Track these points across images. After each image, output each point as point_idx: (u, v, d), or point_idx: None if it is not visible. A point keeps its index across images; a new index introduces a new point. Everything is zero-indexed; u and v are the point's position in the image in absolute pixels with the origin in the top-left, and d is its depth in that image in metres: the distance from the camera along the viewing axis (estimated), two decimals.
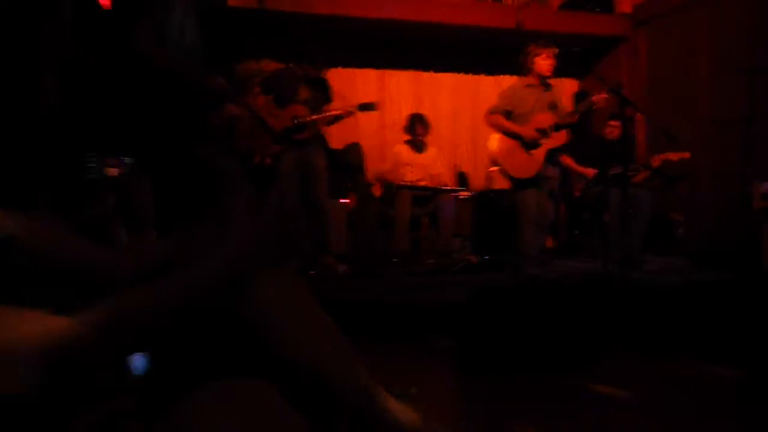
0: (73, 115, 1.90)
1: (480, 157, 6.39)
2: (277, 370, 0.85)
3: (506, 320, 2.45)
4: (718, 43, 4.92)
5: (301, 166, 4.04)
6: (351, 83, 6.08)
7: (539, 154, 3.85)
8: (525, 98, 3.92)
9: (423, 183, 4.96)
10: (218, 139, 2.31)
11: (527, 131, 3.84)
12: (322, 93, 4.20)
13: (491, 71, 6.43)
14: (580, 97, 6.09)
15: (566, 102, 4.77)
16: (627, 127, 4.08)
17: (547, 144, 3.86)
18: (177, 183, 2.09)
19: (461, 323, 2.49)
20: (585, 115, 4.00)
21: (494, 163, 4.03)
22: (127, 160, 2.38)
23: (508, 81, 5.55)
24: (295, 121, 4.00)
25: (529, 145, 3.85)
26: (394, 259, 4.61)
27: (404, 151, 5.08)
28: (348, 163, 5.57)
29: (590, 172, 4.61)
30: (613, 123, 4.72)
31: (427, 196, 4.87)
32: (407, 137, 5.11)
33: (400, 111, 6.11)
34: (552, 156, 3.93)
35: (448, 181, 5.29)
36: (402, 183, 4.87)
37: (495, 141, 3.99)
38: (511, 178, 3.96)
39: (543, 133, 3.85)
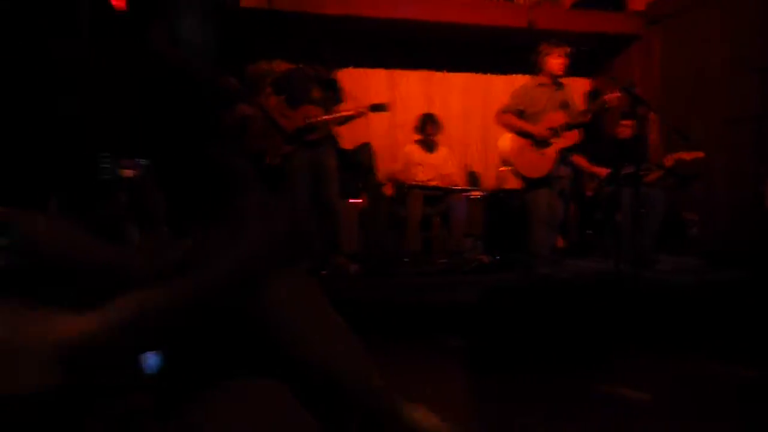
0: (88, 116, 1.92)
1: (491, 156, 6.37)
2: (288, 370, 0.86)
3: (517, 320, 2.45)
4: (731, 42, 4.87)
5: (312, 167, 4.06)
6: (362, 83, 6.08)
7: (551, 153, 3.84)
8: (537, 97, 3.91)
9: (434, 183, 4.95)
10: (230, 139, 2.32)
11: (539, 130, 3.83)
12: (333, 93, 4.21)
13: (503, 71, 6.40)
14: (592, 96, 6.05)
15: (578, 101, 4.74)
16: (640, 126, 4.06)
17: (559, 143, 3.84)
18: (189, 183, 2.10)
19: (472, 323, 2.49)
20: (597, 114, 3.98)
21: (505, 162, 4.01)
22: (141, 161, 2.40)
23: (519, 80, 5.52)
24: (307, 122, 4.01)
25: (541, 144, 3.84)
26: (406, 259, 4.61)
27: (415, 151, 5.08)
28: (359, 163, 5.58)
29: (602, 171, 4.59)
30: (625, 122, 4.68)
31: (438, 195, 4.87)
32: (418, 137, 5.11)
33: (411, 111, 6.10)
34: (563, 155, 3.91)
35: (459, 180, 5.28)
36: (413, 183, 4.87)
37: (506, 140, 3.98)
38: (523, 178, 3.95)
39: (554, 132, 3.83)
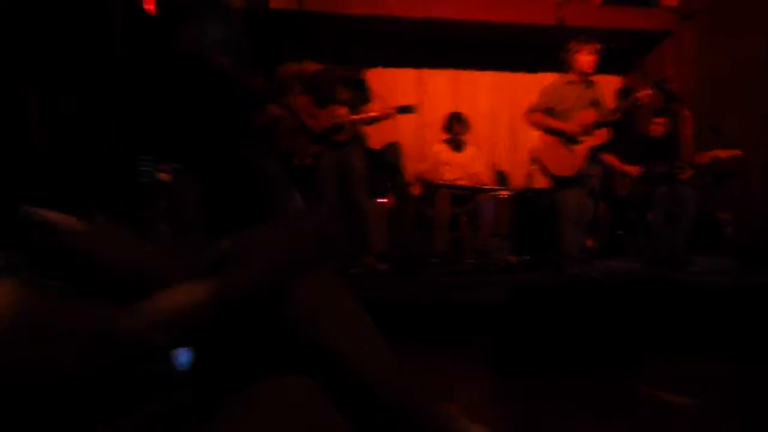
0: (127, 119, 1.97)
1: (519, 155, 6.32)
2: (319, 369, 0.87)
3: (547, 321, 2.43)
4: (767, 36, 4.74)
5: (340, 167, 4.08)
6: (389, 83, 6.09)
7: (581, 151, 3.79)
8: (566, 95, 3.87)
9: (462, 182, 4.94)
10: (261, 139, 2.35)
11: (571, 126, 3.78)
12: (361, 94, 4.23)
13: (531, 69, 6.34)
14: (623, 93, 5.96)
15: (609, 99, 4.67)
16: (673, 123, 3.98)
17: (589, 141, 3.79)
18: (223, 184, 2.13)
19: (501, 323, 2.47)
20: (629, 111, 3.92)
21: (534, 161, 3.98)
22: (175, 165, 2.45)
23: (548, 79, 5.45)
24: (334, 122, 4.04)
25: (571, 141, 3.79)
26: (433, 259, 4.61)
27: (443, 151, 5.07)
28: (387, 163, 5.59)
29: (634, 170, 4.51)
30: (658, 120, 4.60)
31: (465, 195, 4.85)
32: (446, 136, 5.09)
33: (438, 110, 6.08)
34: (593, 154, 3.86)
35: (486, 180, 5.25)
36: (441, 182, 4.86)
37: (536, 139, 3.95)
38: (552, 177, 3.91)
39: (586, 129, 3.78)
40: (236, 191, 2.13)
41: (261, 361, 0.87)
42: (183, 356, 0.86)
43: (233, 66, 2.35)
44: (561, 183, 3.86)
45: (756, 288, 3.28)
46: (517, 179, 6.13)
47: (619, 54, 4.82)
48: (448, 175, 4.96)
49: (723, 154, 4.20)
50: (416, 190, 5.42)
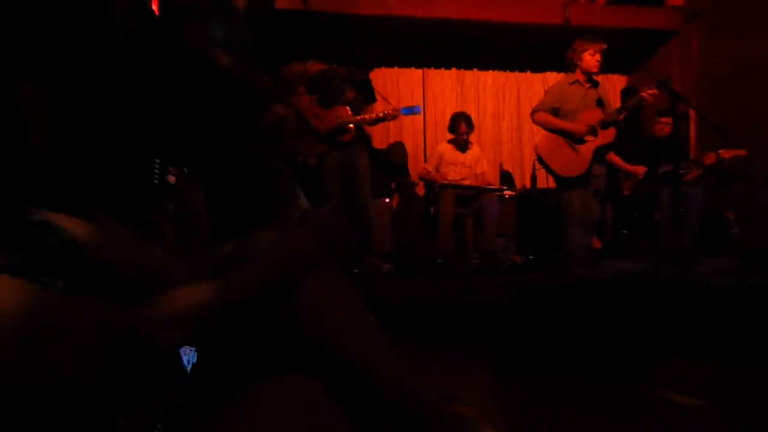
0: (130, 119, 1.97)
1: (524, 155, 6.32)
2: (323, 368, 0.87)
3: (552, 321, 2.42)
4: None
5: (345, 166, 4.08)
6: (394, 83, 6.10)
7: (587, 152, 3.77)
8: (571, 95, 3.85)
9: (467, 182, 4.93)
10: (267, 139, 2.35)
11: (577, 127, 3.76)
12: (366, 94, 4.23)
13: (536, 69, 6.34)
14: (627, 93, 5.94)
15: (613, 98, 4.66)
16: (678, 123, 3.96)
17: (596, 141, 3.77)
18: (229, 184, 2.14)
19: (505, 324, 2.47)
20: (634, 111, 3.90)
21: (540, 161, 3.96)
22: (181, 168, 2.45)
23: (554, 78, 5.46)
24: (338, 122, 4.04)
25: (578, 141, 3.77)
26: (438, 259, 4.60)
27: (448, 150, 5.06)
28: (391, 163, 5.59)
29: (640, 170, 4.49)
30: (663, 119, 4.58)
31: (470, 195, 4.84)
32: (451, 136, 5.09)
33: (443, 110, 6.09)
34: (599, 154, 3.84)
35: (492, 180, 5.24)
36: (445, 182, 4.85)
37: (541, 139, 3.94)
38: (558, 177, 3.89)
39: (592, 129, 3.77)
40: (242, 191, 2.13)
41: (261, 361, 0.87)
42: (185, 356, 0.86)
43: (239, 66, 2.35)
44: (566, 183, 3.84)
45: (763, 288, 3.25)
46: (523, 179, 6.12)
47: (625, 53, 4.79)
48: (453, 175, 4.95)
49: (727, 153, 4.17)
50: (421, 190, 5.42)
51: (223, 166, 2.20)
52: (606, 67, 3.92)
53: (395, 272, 4.16)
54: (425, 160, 5.60)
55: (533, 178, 5.26)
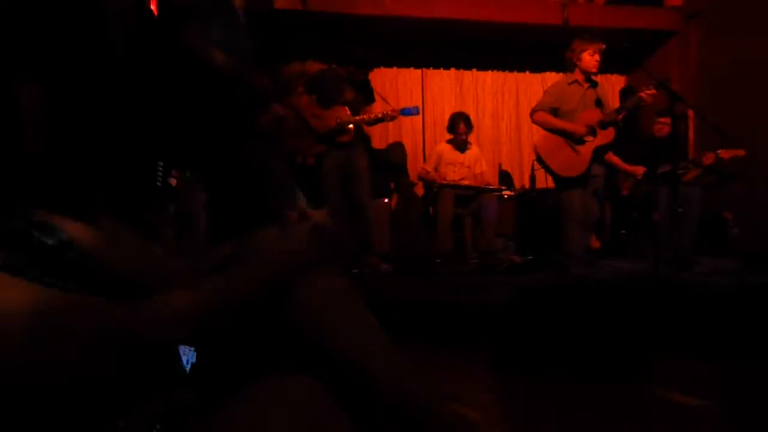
0: (130, 119, 1.97)
1: (523, 155, 6.32)
2: (323, 368, 0.87)
3: (551, 321, 2.42)
4: None
5: (343, 166, 4.08)
6: (393, 83, 6.10)
7: (587, 152, 3.77)
8: (570, 95, 3.85)
9: (465, 182, 4.93)
10: (266, 139, 2.35)
11: (577, 127, 3.77)
12: (365, 94, 4.23)
13: (535, 69, 6.34)
14: (626, 93, 5.94)
15: (612, 98, 4.66)
16: (677, 123, 3.96)
17: (595, 141, 3.78)
18: (229, 184, 2.13)
19: (504, 324, 2.47)
20: (632, 112, 3.90)
21: (539, 160, 3.96)
22: (183, 171, 2.45)
23: (553, 79, 5.47)
24: (337, 123, 4.04)
25: (578, 142, 3.77)
26: (437, 259, 4.60)
27: (447, 151, 5.06)
28: (390, 163, 5.59)
29: (639, 170, 4.50)
30: (662, 120, 4.59)
31: (469, 195, 4.85)
32: (450, 136, 5.09)
33: (442, 110, 6.09)
34: (598, 154, 3.85)
35: (490, 180, 5.25)
36: (444, 182, 4.86)
37: (541, 139, 3.94)
38: (557, 177, 3.89)
39: (592, 130, 3.77)
40: (242, 191, 2.13)
41: (261, 361, 0.87)
42: (185, 356, 0.86)
43: (238, 66, 2.34)
44: (566, 183, 3.84)
45: (762, 288, 3.26)
46: (522, 179, 6.13)
47: (624, 53, 4.80)
48: (452, 175, 4.95)
49: (727, 153, 4.18)
50: (420, 191, 5.42)
51: (223, 166, 2.20)
52: (605, 68, 3.92)
53: (394, 272, 4.16)
54: (424, 160, 5.60)
55: (532, 178, 5.27)
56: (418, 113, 4.36)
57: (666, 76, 4.36)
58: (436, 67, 6.24)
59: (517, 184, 6.07)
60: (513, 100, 6.39)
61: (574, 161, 3.79)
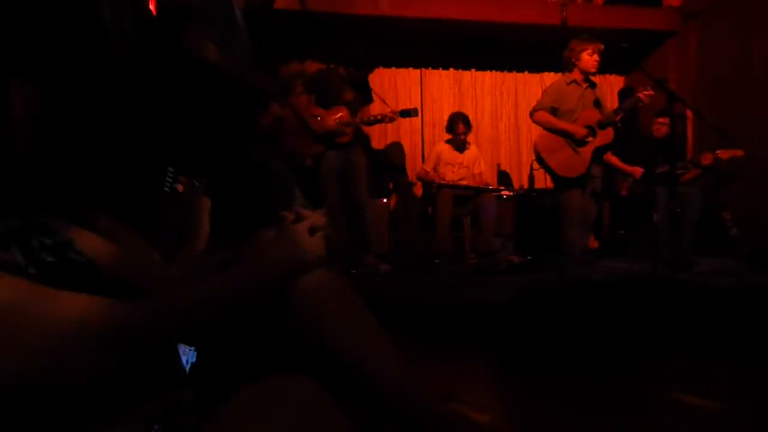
0: (129, 120, 1.97)
1: (522, 155, 6.32)
2: (323, 367, 0.87)
3: (550, 321, 2.42)
4: None
5: (342, 166, 4.08)
6: (392, 83, 6.10)
7: (587, 152, 3.77)
8: (569, 95, 3.85)
9: (464, 182, 4.94)
10: (266, 139, 2.35)
11: (577, 128, 3.76)
12: (364, 94, 4.23)
13: (534, 69, 6.34)
14: (625, 93, 5.95)
15: (610, 99, 4.66)
16: (675, 124, 3.97)
17: (595, 142, 3.78)
18: (229, 184, 2.13)
19: (504, 324, 2.47)
20: (631, 112, 3.90)
21: (539, 160, 3.96)
22: (190, 177, 2.44)
23: (551, 79, 5.47)
24: (336, 123, 4.03)
25: (578, 143, 3.78)
26: (436, 259, 4.60)
27: (445, 151, 5.07)
28: (389, 163, 5.59)
29: (637, 170, 4.50)
30: (660, 120, 4.59)
31: (468, 195, 4.85)
32: (448, 136, 5.09)
33: (441, 110, 6.09)
34: (597, 154, 3.85)
35: (489, 180, 5.25)
36: (443, 182, 4.86)
37: (540, 139, 3.94)
38: (556, 177, 3.89)
39: (592, 130, 3.77)
40: (242, 191, 2.13)
41: (261, 361, 0.87)
42: (184, 356, 0.86)
43: (237, 65, 2.34)
44: (565, 183, 3.84)
45: (761, 288, 3.26)
46: (521, 179, 6.13)
47: (622, 53, 4.80)
48: (451, 175, 4.95)
49: (725, 154, 4.18)
50: (419, 191, 5.42)
51: (223, 166, 2.20)
52: (603, 68, 3.92)
53: (393, 272, 4.16)
54: (423, 161, 5.60)
55: (531, 179, 5.27)
56: (417, 115, 4.36)
57: (664, 77, 4.36)
58: (435, 67, 6.25)
59: (515, 184, 6.07)
60: (512, 100, 6.39)
61: (574, 161, 3.78)
